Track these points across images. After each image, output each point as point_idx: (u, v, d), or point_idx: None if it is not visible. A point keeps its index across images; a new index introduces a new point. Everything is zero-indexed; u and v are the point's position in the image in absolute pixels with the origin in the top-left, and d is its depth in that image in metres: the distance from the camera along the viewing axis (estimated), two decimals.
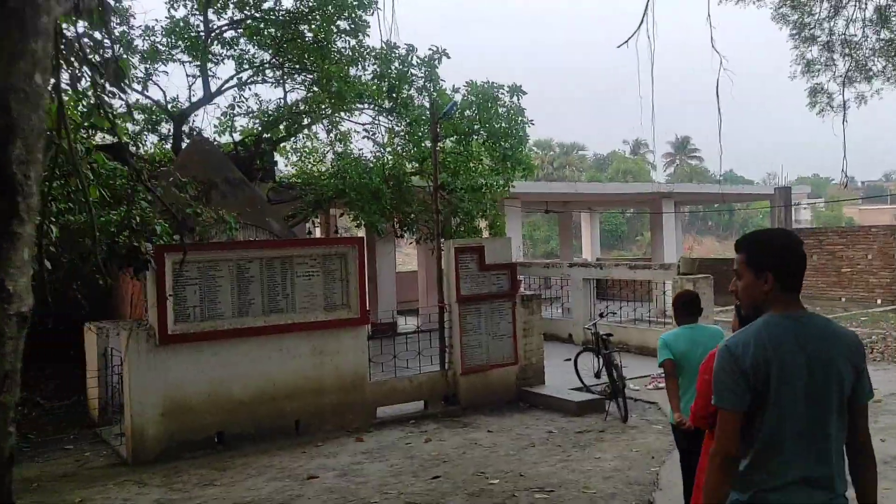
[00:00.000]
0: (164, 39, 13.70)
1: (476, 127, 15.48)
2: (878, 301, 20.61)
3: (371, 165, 13.36)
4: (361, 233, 15.42)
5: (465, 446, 8.31)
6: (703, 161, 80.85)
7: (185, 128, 14.06)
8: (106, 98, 5.10)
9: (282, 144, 15.94)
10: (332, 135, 14.83)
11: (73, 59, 5.04)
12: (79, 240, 8.16)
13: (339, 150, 14.97)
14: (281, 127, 14.83)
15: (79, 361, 10.27)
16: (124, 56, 11.84)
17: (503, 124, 15.49)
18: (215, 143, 14.85)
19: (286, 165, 16.62)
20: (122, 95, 4.86)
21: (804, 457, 2.54)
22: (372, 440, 8.69)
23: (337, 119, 14.74)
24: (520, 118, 15.57)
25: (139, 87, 13.34)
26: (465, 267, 10.19)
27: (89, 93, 13.54)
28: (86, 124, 13.58)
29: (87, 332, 9.91)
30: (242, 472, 7.57)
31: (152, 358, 8.03)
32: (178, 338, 8.12)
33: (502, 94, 15.53)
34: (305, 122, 14.68)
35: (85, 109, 9.16)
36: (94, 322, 9.85)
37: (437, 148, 15.32)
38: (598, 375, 10.12)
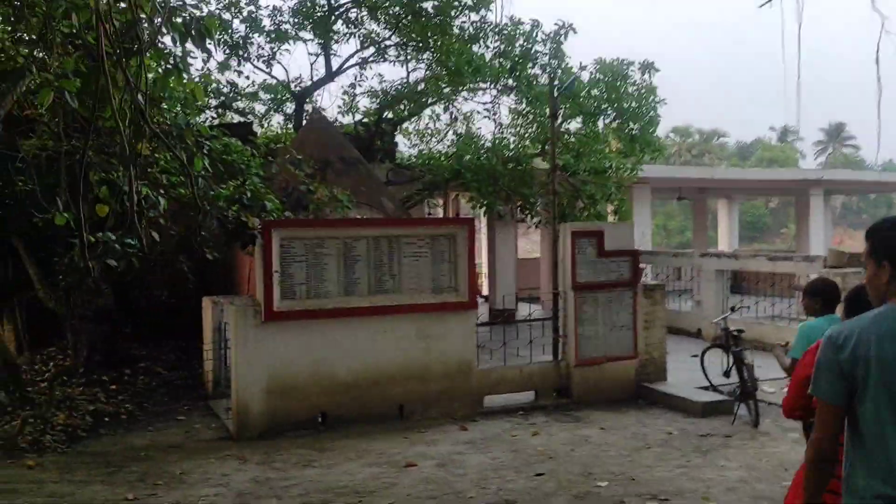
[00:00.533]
0: (291, 20, 13.82)
1: (604, 107, 14.71)
2: None
3: (489, 146, 12.91)
4: (482, 217, 15.05)
5: (574, 443, 7.76)
6: (860, 150, 74.50)
7: (308, 107, 14.17)
8: (188, 60, 4.98)
9: (403, 125, 15.80)
10: (450, 114, 14.50)
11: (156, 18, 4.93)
12: (189, 213, 8.26)
13: (460, 130, 14.62)
14: (402, 106, 14.66)
15: (199, 334, 10.54)
16: (213, 15, 11.84)
17: (633, 104, 14.63)
18: (337, 123, 14.91)
19: (408, 147, 16.47)
20: (205, 55, 4.68)
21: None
22: (476, 430, 8.30)
23: (455, 98, 14.39)
24: (651, 98, 14.64)
25: (264, 67, 13.55)
26: (582, 252, 9.57)
27: (213, 71, 13.95)
28: (212, 104, 14.04)
29: (204, 305, 10.11)
30: (342, 455, 7.39)
31: (257, 334, 8.00)
32: (283, 315, 8.05)
33: (633, 71, 14.67)
34: (426, 101, 14.42)
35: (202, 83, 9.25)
36: (212, 296, 10.03)
37: (561, 129, 14.72)
38: (727, 375, 9.22)
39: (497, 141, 13.83)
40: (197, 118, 8.31)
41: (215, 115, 14.20)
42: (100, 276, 8.33)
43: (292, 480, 6.63)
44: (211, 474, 6.82)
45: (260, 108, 14.75)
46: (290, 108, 14.40)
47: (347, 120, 15.22)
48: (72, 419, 8.06)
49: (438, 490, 6.37)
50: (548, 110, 14.80)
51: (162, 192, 6.96)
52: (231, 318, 8.09)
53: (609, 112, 14.74)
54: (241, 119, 14.25)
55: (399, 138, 16.47)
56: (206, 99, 12.82)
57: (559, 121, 14.63)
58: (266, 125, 14.87)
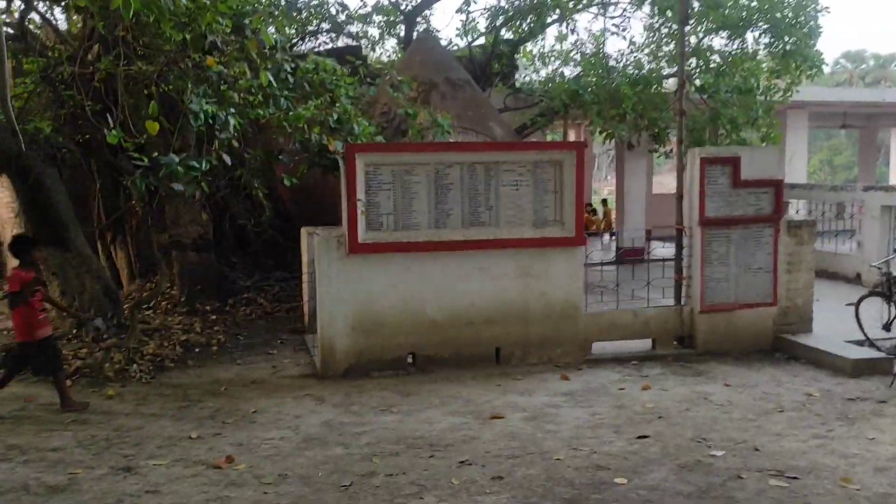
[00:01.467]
0: None
1: (754, 17, 12.84)
2: None
3: (614, 65, 11.55)
4: (606, 146, 13.73)
5: (690, 400, 6.72)
6: None
7: (420, 28, 13.34)
8: None
9: (525, 47, 14.62)
10: (574, 33, 13.14)
11: None
12: (270, 136, 7.77)
13: (588, 52, 13.25)
14: (522, 25, 13.48)
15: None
16: None
17: (788, 14, 12.67)
18: (453, 46, 14.00)
19: (531, 71, 15.30)
20: None
21: None
22: (579, 380, 7.43)
23: (577, 14, 13.00)
24: (811, 5, 12.60)
25: None
26: (713, 182, 8.27)
27: None
28: (325, 28, 13.48)
29: (302, 236, 9.74)
30: (425, 401, 6.78)
31: (342, 267, 7.46)
32: (369, 247, 7.45)
33: None
34: (548, 20, 13.15)
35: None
36: (312, 226, 9.62)
37: (703, 45, 13.06)
38: (887, 328, 7.75)
39: (624, 60, 12.42)
40: (280, 34, 7.68)
41: (328, 41, 13.67)
42: (188, 203, 8.06)
43: (366, 427, 6.09)
44: (284, 415, 6.41)
45: (374, 32, 14.09)
46: (402, 30, 13.60)
47: (465, 43, 14.26)
48: (161, 349, 7.94)
49: (522, 448, 5.61)
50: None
51: (232, 111, 6.43)
52: (316, 251, 7.58)
53: (760, 24, 12.86)
54: (355, 44, 13.65)
55: (522, 62, 15.33)
56: (314, 20, 12.28)
57: (699, 35, 12.99)
58: (380, 50, 14.20)
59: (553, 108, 11.71)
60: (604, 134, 11.09)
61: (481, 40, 14.19)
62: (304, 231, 9.68)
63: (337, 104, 8.01)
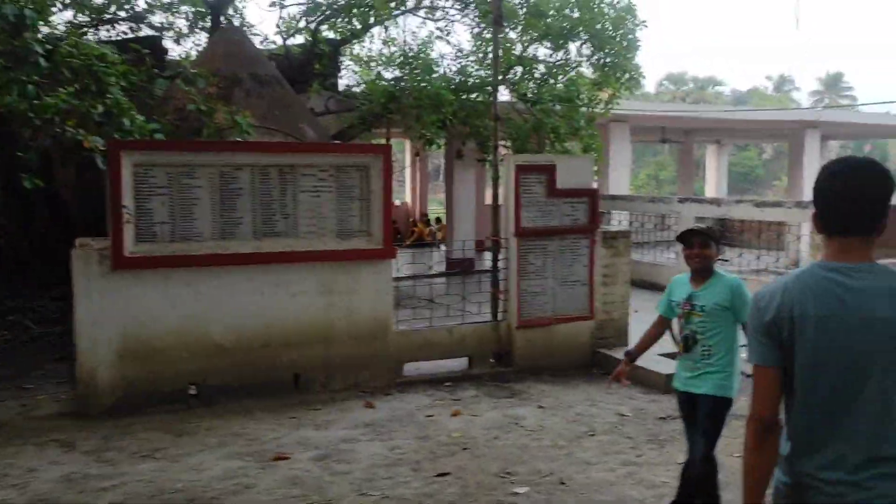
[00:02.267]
0: None
1: (577, 29, 12.81)
2: None
3: (438, 70, 11.04)
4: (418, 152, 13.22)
5: (501, 427, 6.18)
6: (857, 101, 72.40)
7: (236, 23, 12.25)
8: None
9: (351, 49, 13.86)
10: (396, 36, 12.51)
11: None
12: (19, 128, 6.52)
13: (412, 54, 12.66)
14: (345, 25, 12.72)
15: None
16: None
17: (608, 27, 12.75)
18: (268, 42, 13.01)
19: (360, 74, 14.54)
20: None
21: (840, 434, 2.13)
22: (385, 407, 6.72)
23: (399, 20, 12.42)
24: (629, 18, 12.76)
25: None
26: (529, 191, 7.88)
27: None
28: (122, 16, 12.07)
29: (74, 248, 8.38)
30: (200, 442, 5.80)
31: (106, 285, 6.33)
32: (139, 261, 6.36)
33: None
34: (372, 20, 12.47)
35: None
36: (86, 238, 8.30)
37: (526, 53, 12.88)
38: None
39: (448, 65, 11.99)
40: (36, 10, 6.43)
41: (129, 30, 12.23)
42: None
43: (116, 480, 5.04)
44: (15, 469, 5.21)
45: (182, 24, 12.78)
46: (210, 23, 12.41)
47: (286, 40, 13.29)
48: None
49: (303, 497, 4.80)
50: (513, 30, 13.01)
51: None
52: (73, 266, 6.39)
53: (582, 35, 12.86)
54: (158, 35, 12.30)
55: (349, 65, 14.57)
56: (112, 5, 10.89)
57: (524, 44, 12.81)
58: (190, 44, 12.90)
59: (374, 113, 11.02)
60: (421, 140, 10.50)
61: (303, 39, 13.29)
62: (78, 242, 8.33)
63: (108, 95, 6.85)
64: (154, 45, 10.61)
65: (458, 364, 7.96)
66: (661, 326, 4.59)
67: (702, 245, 4.19)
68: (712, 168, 27.67)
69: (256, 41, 12.57)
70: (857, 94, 73.54)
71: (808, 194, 20.27)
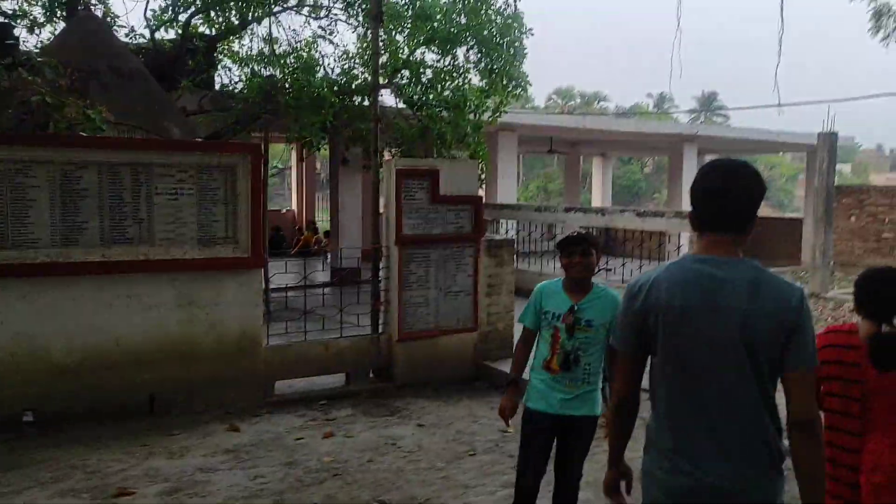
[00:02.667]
0: None
1: (464, 35, 12.59)
2: None
3: (320, 70, 10.51)
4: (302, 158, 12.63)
5: (376, 448, 5.75)
6: (729, 120, 76.76)
7: (99, 14, 11.28)
8: None
9: (228, 46, 13.12)
10: (268, 33, 11.89)
11: None
12: None
13: (293, 54, 12.07)
14: (220, 20, 11.99)
15: None
16: None
17: (496, 33, 12.60)
18: (136, 35, 12.12)
19: (239, 72, 13.77)
20: None
21: (684, 424, 2.24)
22: (251, 430, 6.15)
23: (280, 13, 11.80)
24: (515, 26, 12.66)
25: None
26: (411, 197, 7.52)
27: None
28: None
29: None
30: (32, 477, 5.07)
31: None
32: None
33: None
34: (250, 15, 11.80)
35: None
36: None
37: (412, 57, 12.56)
38: None
39: (331, 66, 11.49)
40: None
41: None
42: None
43: None
44: None
45: (39, 12, 11.68)
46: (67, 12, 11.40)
47: (165, 34, 12.41)
48: None
49: None
50: (398, 32, 12.68)
51: None
52: None
53: (468, 40, 12.65)
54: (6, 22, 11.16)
55: (227, 63, 13.77)
56: None
57: (411, 48, 12.48)
58: (48, 33, 11.79)
59: (251, 113, 10.37)
60: (300, 141, 9.92)
61: (174, 34, 12.44)
62: None
63: None
64: (2, 33, 9.58)
65: (336, 380, 7.49)
66: (530, 341, 3.96)
67: (584, 253, 3.81)
68: (598, 180, 28.32)
69: (122, 33, 11.70)
70: (729, 113, 77.98)
71: (686, 206, 21.01)
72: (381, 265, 7.72)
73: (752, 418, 2.18)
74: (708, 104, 79.44)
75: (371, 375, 7.63)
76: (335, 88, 10.43)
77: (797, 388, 2.18)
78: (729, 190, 2.25)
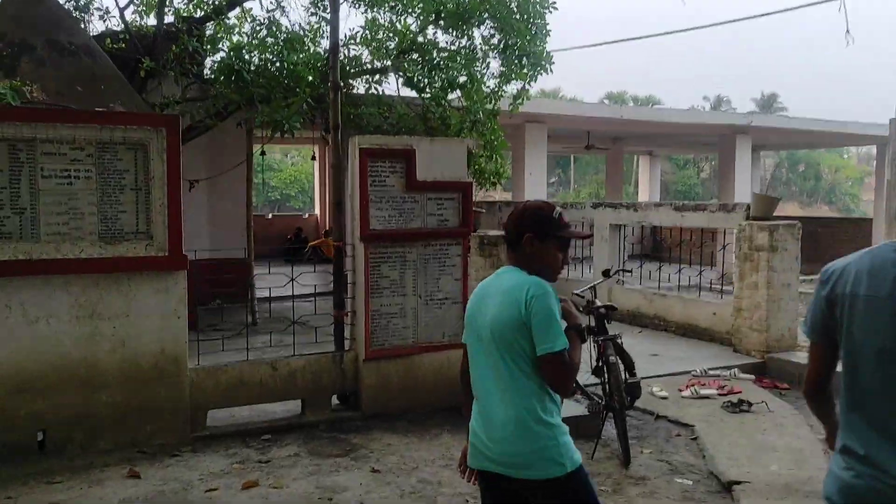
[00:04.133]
0: None
1: (484, 17, 11.18)
2: None
3: (298, 47, 9.21)
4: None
5: None
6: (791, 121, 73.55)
7: None
8: None
9: (219, 30, 11.95)
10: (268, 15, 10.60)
11: None
12: None
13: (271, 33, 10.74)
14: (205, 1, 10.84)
15: None
16: None
17: (515, 10, 11.15)
18: (111, 18, 11.08)
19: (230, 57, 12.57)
20: None
21: (859, 420, 2.07)
22: (155, 477, 4.81)
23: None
24: (536, 4, 11.17)
25: None
26: (380, 183, 6.11)
27: None
28: None
29: None
30: None
31: None
32: None
33: None
34: None
35: None
36: None
37: (420, 37, 11.21)
38: (596, 373, 5.96)
39: (321, 44, 10.16)
40: None
41: None
42: None
43: None
44: None
45: None
46: None
47: (139, 19, 11.35)
48: None
49: None
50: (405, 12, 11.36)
51: None
52: None
53: (486, 19, 11.23)
54: None
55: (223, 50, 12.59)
56: None
57: (419, 25, 11.13)
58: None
59: (230, 98, 9.13)
60: (268, 124, 8.63)
61: (152, 16, 11.32)
62: None
63: None
64: None
65: (291, 408, 6.12)
66: None
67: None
68: (644, 179, 26.50)
69: (96, 15, 10.65)
70: (791, 114, 74.81)
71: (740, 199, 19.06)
72: (346, 268, 6.33)
73: None
74: (768, 105, 76.28)
75: (336, 402, 6.24)
76: (318, 66, 9.10)
77: None
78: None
